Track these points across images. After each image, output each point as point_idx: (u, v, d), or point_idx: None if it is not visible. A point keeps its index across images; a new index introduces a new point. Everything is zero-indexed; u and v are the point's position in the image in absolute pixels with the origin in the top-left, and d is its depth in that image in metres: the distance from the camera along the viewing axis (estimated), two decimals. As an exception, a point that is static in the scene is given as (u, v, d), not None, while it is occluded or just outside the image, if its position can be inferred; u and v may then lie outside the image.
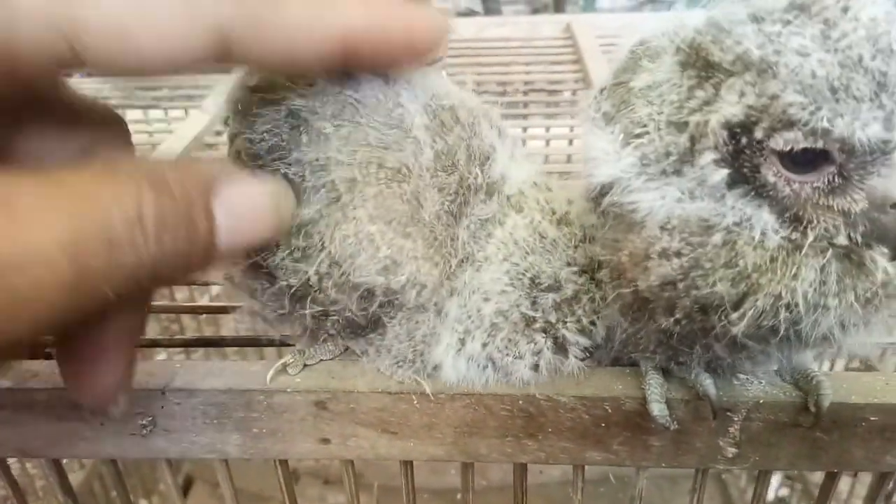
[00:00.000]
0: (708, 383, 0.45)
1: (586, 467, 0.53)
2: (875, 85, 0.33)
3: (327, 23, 0.34)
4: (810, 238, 0.36)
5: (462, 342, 0.46)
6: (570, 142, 1.07)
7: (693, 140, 0.37)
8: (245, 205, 0.35)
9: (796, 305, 0.36)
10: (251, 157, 0.42)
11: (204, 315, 1.09)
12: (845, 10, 0.34)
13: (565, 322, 0.46)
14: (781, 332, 0.38)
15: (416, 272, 0.42)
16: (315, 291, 0.42)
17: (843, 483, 1.04)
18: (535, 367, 0.46)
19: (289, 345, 0.51)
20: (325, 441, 0.50)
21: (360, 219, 0.41)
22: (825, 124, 0.33)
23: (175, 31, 0.31)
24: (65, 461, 0.58)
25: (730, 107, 0.35)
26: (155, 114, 1.20)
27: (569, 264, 0.46)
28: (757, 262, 0.36)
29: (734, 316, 0.37)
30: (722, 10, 0.37)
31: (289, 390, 0.48)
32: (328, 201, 0.41)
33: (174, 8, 0.31)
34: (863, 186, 0.35)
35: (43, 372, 0.49)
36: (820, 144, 0.34)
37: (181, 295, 1.12)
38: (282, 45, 0.34)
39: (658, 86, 0.38)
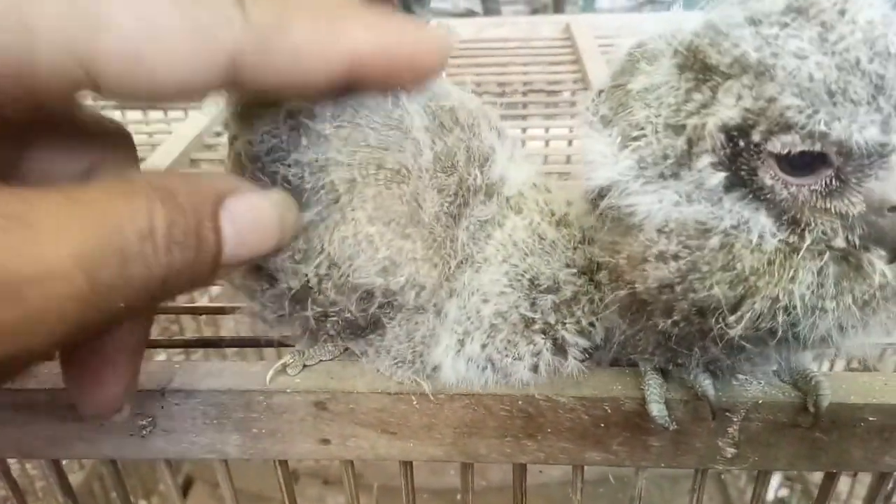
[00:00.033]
0: (707, 384, 0.45)
1: (586, 468, 0.53)
2: (872, 88, 0.33)
3: (334, 46, 0.35)
4: (808, 241, 0.36)
5: (461, 343, 0.46)
6: (570, 142, 1.07)
7: (690, 143, 0.37)
8: (251, 217, 0.36)
9: (794, 308, 0.36)
10: (251, 160, 0.42)
11: (203, 316, 1.09)
12: (842, 12, 0.34)
13: (564, 323, 0.46)
14: (779, 334, 0.38)
15: (414, 273, 0.42)
16: (315, 293, 0.43)
17: (843, 484, 1.04)
18: (535, 369, 0.46)
19: (288, 345, 0.52)
20: (325, 441, 0.50)
21: (358, 220, 0.41)
22: (822, 127, 0.33)
23: (188, 58, 0.32)
24: (65, 462, 0.58)
25: (727, 110, 0.35)
26: (154, 114, 1.20)
27: (568, 266, 0.46)
28: (754, 265, 0.36)
29: (732, 318, 0.37)
30: (719, 13, 0.37)
31: (288, 391, 0.48)
32: (327, 203, 0.41)
33: (187, 36, 0.31)
34: (860, 189, 0.35)
35: (43, 373, 0.49)
36: (817, 147, 0.34)
37: (181, 296, 1.12)
38: (290, 69, 0.34)
39: (655, 88, 0.38)
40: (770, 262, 0.36)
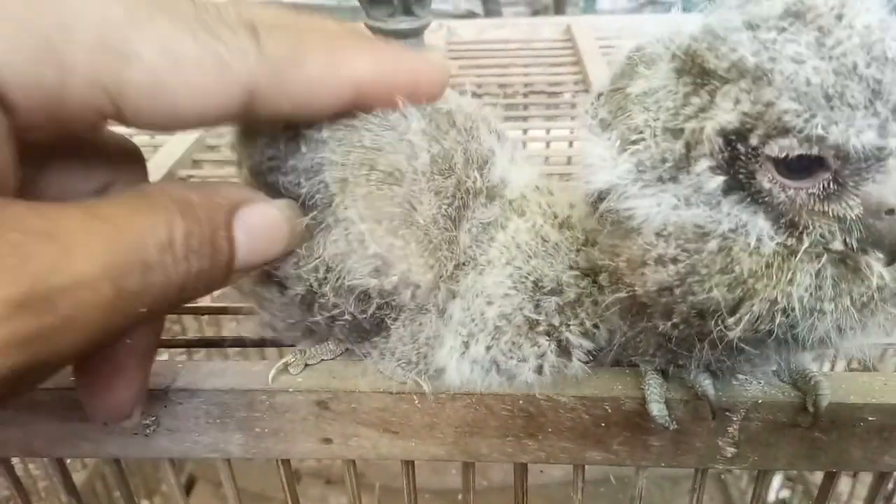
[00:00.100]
0: (707, 384, 0.45)
1: (586, 467, 0.53)
2: (869, 92, 0.33)
3: (342, 75, 0.38)
4: (806, 244, 0.36)
5: (466, 345, 0.46)
6: (570, 144, 1.07)
7: (689, 147, 0.37)
8: (261, 225, 0.39)
9: (792, 310, 0.37)
10: (254, 174, 0.44)
11: (205, 316, 1.09)
12: (840, 17, 0.34)
13: (568, 325, 0.46)
14: (778, 335, 0.38)
15: (407, 271, 0.42)
16: (319, 297, 0.43)
17: (844, 484, 1.04)
18: (539, 370, 0.46)
19: (290, 345, 0.52)
20: (327, 441, 0.50)
21: (350, 219, 0.41)
22: (820, 131, 0.33)
23: (207, 89, 0.34)
24: (68, 461, 0.59)
25: (725, 114, 0.35)
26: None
27: (571, 268, 0.47)
28: (753, 268, 0.36)
29: (731, 321, 0.37)
30: (717, 17, 0.37)
31: (291, 390, 0.49)
32: (322, 207, 0.42)
33: (206, 68, 0.34)
34: (858, 192, 0.35)
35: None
36: (815, 151, 0.34)
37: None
38: (302, 99, 0.37)
39: (654, 92, 0.39)
40: (768, 265, 0.37)
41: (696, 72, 0.37)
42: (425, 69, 0.42)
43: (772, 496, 1.21)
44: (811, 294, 0.37)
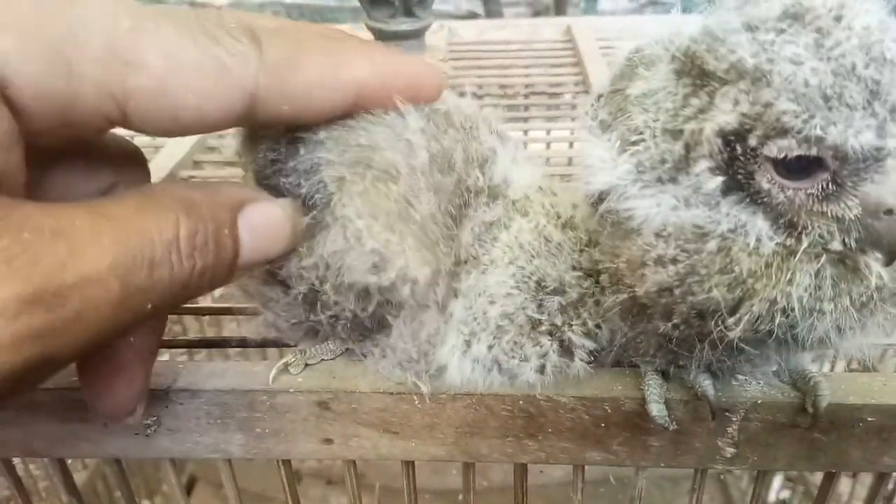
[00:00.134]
0: (706, 384, 0.45)
1: (586, 468, 0.53)
2: (868, 93, 0.33)
3: (341, 79, 0.39)
4: (805, 244, 0.36)
5: (468, 344, 0.46)
6: (571, 144, 1.07)
7: (688, 148, 0.37)
8: (264, 224, 0.39)
9: (792, 310, 0.37)
10: (258, 178, 0.45)
11: (206, 316, 1.09)
12: (838, 18, 0.34)
13: (571, 325, 0.46)
14: (778, 336, 0.38)
15: (405, 267, 0.42)
16: (321, 296, 0.43)
17: (844, 485, 1.04)
18: (541, 370, 0.47)
19: (291, 345, 0.52)
20: (328, 441, 0.50)
21: (347, 216, 0.41)
22: (818, 132, 0.33)
23: (209, 95, 0.35)
24: (69, 461, 0.59)
25: (724, 115, 0.35)
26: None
27: (574, 268, 0.47)
28: (752, 268, 0.37)
29: (731, 321, 0.37)
30: (717, 19, 0.37)
31: (291, 390, 0.49)
32: (322, 206, 0.42)
33: (208, 74, 0.35)
34: (856, 193, 0.35)
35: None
36: (813, 152, 0.34)
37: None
38: (301, 102, 0.38)
39: (654, 93, 0.39)
40: (768, 265, 0.37)
41: (696, 73, 0.37)
42: (423, 72, 0.43)
43: (772, 496, 1.21)
44: (810, 294, 0.37)
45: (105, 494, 1.14)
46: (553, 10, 3.44)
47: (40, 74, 0.32)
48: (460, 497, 0.57)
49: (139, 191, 0.36)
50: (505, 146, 0.48)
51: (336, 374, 0.49)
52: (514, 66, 1.26)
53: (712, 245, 0.37)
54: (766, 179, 0.36)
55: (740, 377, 0.47)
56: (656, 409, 0.46)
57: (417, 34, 1.11)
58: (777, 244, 0.37)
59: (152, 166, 0.90)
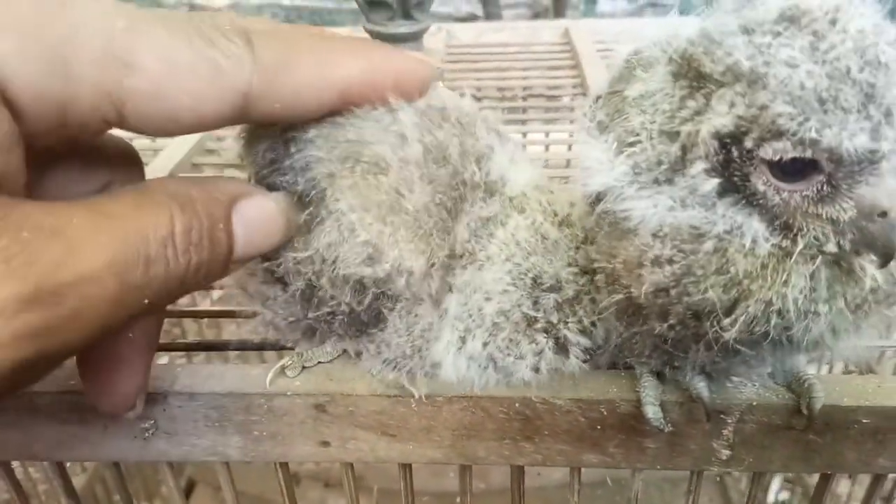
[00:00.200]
0: (701, 386, 0.45)
1: (583, 470, 0.53)
2: (862, 96, 0.33)
3: (330, 78, 0.40)
4: (800, 245, 0.36)
5: (463, 340, 0.46)
6: (569, 147, 1.08)
7: (684, 149, 0.37)
8: (259, 218, 0.40)
9: (787, 311, 0.37)
10: (258, 179, 0.46)
11: (205, 319, 1.09)
12: (834, 22, 0.34)
13: (567, 322, 0.46)
14: (773, 337, 0.38)
15: (399, 258, 0.42)
16: (318, 291, 0.43)
17: (843, 486, 1.04)
18: (537, 368, 0.47)
19: (290, 348, 0.52)
20: (325, 444, 0.50)
21: (340, 209, 0.42)
22: (813, 134, 0.33)
23: (204, 96, 0.36)
24: (67, 464, 0.59)
25: (720, 117, 0.35)
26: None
27: (570, 265, 0.47)
28: (748, 269, 0.37)
29: (726, 322, 0.38)
30: (714, 22, 0.37)
31: (288, 393, 0.49)
32: (317, 202, 0.43)
33: (203, 76, 0.35)
34: (851, 195, 0.35)
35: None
36: (808, 154, 0.34)
37: (183, 299, 1.12)
38: (292, 101, 0.39)
39: (651, 95, 0.39)
40: (763, 266, 0.37)
41: (693, 75, 0.37)
42: (411, 66, 0.43)
43: (771, 497, 1.21)
44: (805, 296, 0.37)
45: (104, 498, 1.14)
46: (552, 12, 3.45)
47: (39, 76, 0.32)
48: (458, 499, 0.57)
49: (135, 187, 0.36)
50: (504, 146, 0.48)
51: (333, 377, 0.49)
52: (513, 69, 1.26)
53: (708, 246, 0.37)
54: (761, 181, 0.36)
55: (735, 379, 0.47)
56: (652, 412, 0.46)
57: (415, 37, 1.12)
58: (773, 246, 0.37)
59: (151, 169, 0.90)
